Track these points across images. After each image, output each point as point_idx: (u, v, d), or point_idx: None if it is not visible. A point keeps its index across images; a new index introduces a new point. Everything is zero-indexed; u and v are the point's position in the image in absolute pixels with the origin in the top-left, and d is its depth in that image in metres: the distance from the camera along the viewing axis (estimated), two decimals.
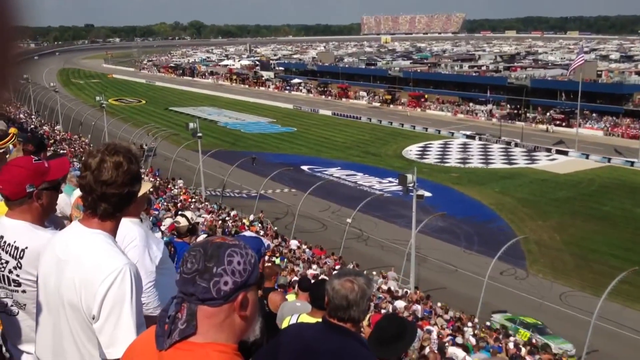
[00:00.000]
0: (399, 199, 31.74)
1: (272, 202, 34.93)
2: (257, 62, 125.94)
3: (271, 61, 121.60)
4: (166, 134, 48.27)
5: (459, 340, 15.81)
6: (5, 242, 2.52)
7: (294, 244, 25.64)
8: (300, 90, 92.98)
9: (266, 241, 3.56)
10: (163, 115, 70.91)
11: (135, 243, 2.88)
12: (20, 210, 2.56)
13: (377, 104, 79.10)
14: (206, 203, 31.54)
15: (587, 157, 46.85)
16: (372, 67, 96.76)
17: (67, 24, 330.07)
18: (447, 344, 14.94)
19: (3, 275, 2.54)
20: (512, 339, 18.01)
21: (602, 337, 19.28)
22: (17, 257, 2.50)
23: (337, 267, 21.82)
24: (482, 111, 68.17)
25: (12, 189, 2.53)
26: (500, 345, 16.75)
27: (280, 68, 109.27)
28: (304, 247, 25.46)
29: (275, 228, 28.36)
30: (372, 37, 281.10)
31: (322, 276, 16.49)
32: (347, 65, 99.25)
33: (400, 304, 18.75)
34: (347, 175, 42.68)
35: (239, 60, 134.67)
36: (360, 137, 57.99)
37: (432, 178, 40.39)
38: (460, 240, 29.40)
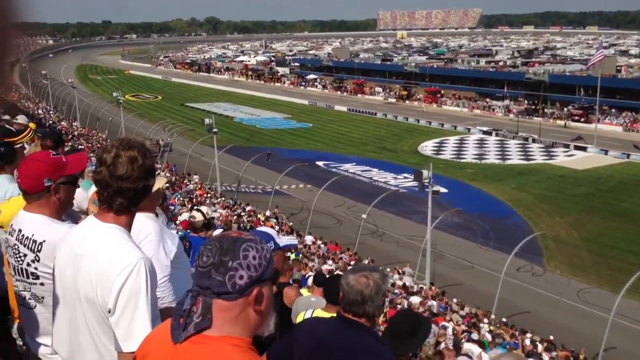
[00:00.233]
0: (415, 194, 31.60)
1: (287, 197, 34.94)
2: (273, 58, 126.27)
3: (287, 57, 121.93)
4: (182, 129, 48.52)
5: (474, 336, 15.74)
6: (23, 235, 2.55)
7: (309, 239, 25.65)
8: (316, 86, 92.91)
9: (293, 240, 3.55)
10: (179, 111, 71.30)
11: (150, 238, 2.89)
12: (38, 204, 2.58)
13: (393, 100, 78.80)
14: (222, 198, 31.66)
15: (605, 153, 46.31)
16: (388, 62, 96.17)
17: (85, 21, 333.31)
18: (462, 340, 14.87)
19: (21, 268, 2.57)
20: (528, 335, 17.88)
21: (620, 334, 19.07)
22: (35, 250, 2.53)
23: (352, 262, 21.80)
24: (499, 107, 67.61)
25: (31, 183, 2.56)
26: (517, 341, 16.64)
27: (296, 64, 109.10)
28: (319, 242, 25.47)
29: (291, 224, 28.40)
30: (388, 32, 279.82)
31: (337, 272, 16.48)
32: (362, 61, 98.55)
33: (415, 299, 18.71)
34: (362, 170, 42.57)
35: (254, 56, 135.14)
36: (375, 132, 57.81)
37: (448, 174, 40.19)
38: (476, 236, 29.18)
